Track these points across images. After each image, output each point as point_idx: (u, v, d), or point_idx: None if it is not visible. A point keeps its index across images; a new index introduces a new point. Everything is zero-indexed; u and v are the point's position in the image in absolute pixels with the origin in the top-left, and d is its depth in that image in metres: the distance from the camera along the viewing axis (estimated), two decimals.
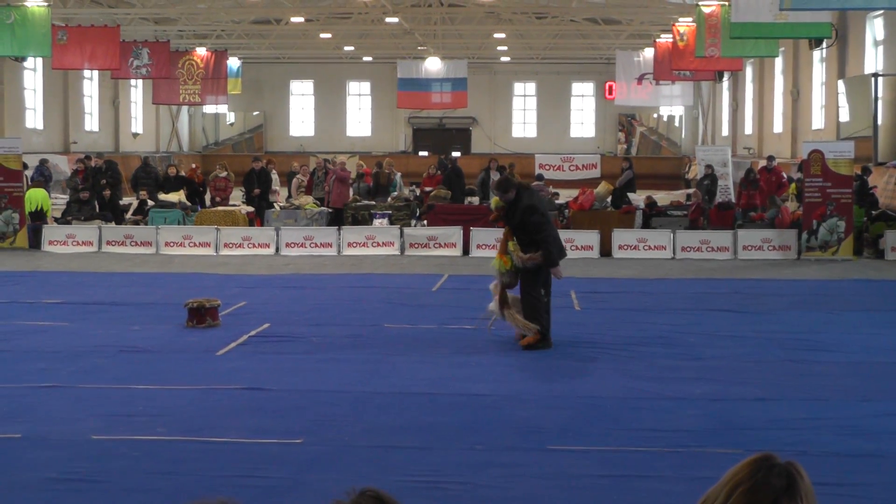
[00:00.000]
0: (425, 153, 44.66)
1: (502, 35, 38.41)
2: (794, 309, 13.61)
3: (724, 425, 7.84)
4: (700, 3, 21.75)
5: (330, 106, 48.62)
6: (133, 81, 40.01)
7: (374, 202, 22.20)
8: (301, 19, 34.34)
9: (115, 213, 22.16)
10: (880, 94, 22.41)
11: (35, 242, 20.71)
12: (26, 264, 18.44)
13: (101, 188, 22.55)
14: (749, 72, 37.13)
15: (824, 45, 21.21)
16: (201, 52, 32.34)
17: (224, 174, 23.62)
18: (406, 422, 7.93)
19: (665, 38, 29.18)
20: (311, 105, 49.04)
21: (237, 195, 25.22)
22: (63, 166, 31.73)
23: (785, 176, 24.24)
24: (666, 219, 21.07)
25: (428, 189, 24.40)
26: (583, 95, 48.22)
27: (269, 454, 7.06)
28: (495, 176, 21.89)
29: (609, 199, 21.48)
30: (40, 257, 19.60)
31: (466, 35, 38.77)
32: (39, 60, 30.59)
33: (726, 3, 20.68)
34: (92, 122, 38.69)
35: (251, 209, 22.37)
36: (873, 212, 20.63)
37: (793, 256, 19.46)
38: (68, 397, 8.62)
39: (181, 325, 11.85)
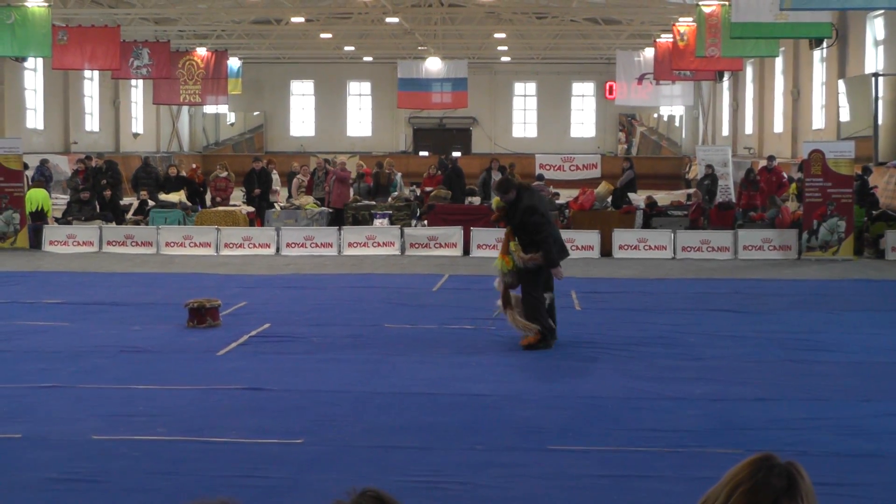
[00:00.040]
0: (426, 153, 44.64)
1: (502, 35, 38.40)
2: (794, 309, 13.61)
3: (725, 425, 7.84)
4: (700, 3, 21.75)
5: (330, 106, 48.62)
6: (133, 81, 40.02)
7: (374, 202, 22.19)
8: (301, 19, 34.34)
9: (115, 214, 22.14)
10: (881, 93, 22.44)
11: (36, 242, 20.71)
12: (27, 264, 18.43)
13: (102, 188, 22.54)
14: (749, 72, 37.12)
15: (824, 44, 21.23)
16: (201, 52, 32.35)
17: (224, 174, 23.61)
18: (406, 422, 7.92)
19: (665, 38, 29.17)
20: (312, 105, 49.04)
21: (237, 195, 25.20)
22: (63, 166, 31.72)
23: (785, 176, 24.26)
24: (666, 219, 21.07)
25: (428, 189, 24.39)
26: (583, 95, 48.22)
27: (270, 454, 7.06)
28: (497, 176, 21.88)
29: (609, 199, 21.48)
30: (41, 257, 19.60)
31: (467, 35, 38.77)
32: (40, 61, 30.59)
33: (726, 3, 20.68)
34: (92, 123, 38.70)
35: (251, 209, 22.36)
36: (874, 212, 20.62)
37: (793, 256, 19.46)
38: (69, 397, 8.62)
39: (182, 325, 11.86)
